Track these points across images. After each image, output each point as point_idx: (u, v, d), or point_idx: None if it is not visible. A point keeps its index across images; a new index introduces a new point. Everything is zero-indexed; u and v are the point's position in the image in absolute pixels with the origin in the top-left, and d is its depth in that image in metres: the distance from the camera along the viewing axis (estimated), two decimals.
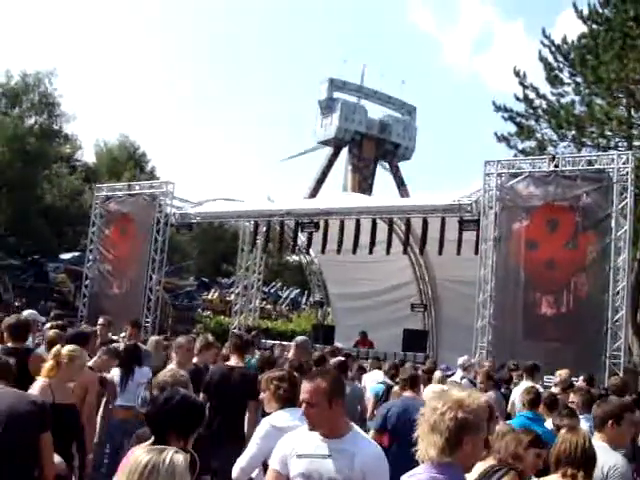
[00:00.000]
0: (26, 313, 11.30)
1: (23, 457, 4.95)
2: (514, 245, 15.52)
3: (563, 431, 5.01)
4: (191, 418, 3.97)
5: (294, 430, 4.54)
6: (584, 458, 4.73)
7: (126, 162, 56.59)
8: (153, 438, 3.85)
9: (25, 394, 5.29)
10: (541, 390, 9.37)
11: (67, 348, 6.49)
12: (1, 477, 4.83)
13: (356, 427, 4.35)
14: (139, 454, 2.85)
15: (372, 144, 79.24)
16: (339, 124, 76.47)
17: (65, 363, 6.34)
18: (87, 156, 58.81)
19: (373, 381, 12.14)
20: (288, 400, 5.32)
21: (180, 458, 2.87)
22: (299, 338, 11.39)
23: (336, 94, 78.35)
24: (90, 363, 7.92)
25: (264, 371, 8.73)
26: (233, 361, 8.41)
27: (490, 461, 4.61)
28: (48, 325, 11.34)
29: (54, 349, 6.55)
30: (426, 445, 3.14)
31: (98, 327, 11.87)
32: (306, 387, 4.25)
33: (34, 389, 6.04)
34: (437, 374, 11.22)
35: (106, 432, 8.77)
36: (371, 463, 4.16)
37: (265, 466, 4.93)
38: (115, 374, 8.96)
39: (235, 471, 5.13)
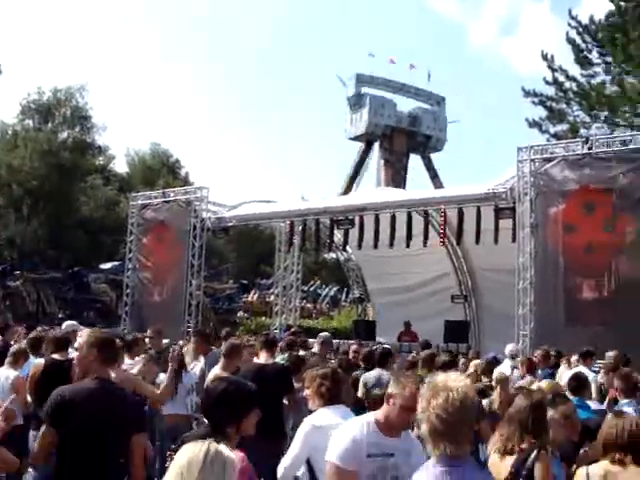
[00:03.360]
0: (66, 324, 11.50)
1: (118, 456, 4.96)
2: (551, 230, 15.39)
3: (609, 416, 5.03)
4: (243, 402, 4.19)
5: (340, 427, 4.60)
6: (631, 442, 4.73)
7: (159, 170, 57.12)
8: (208, 431, 4.04)
9: (125, 393, 5.32)
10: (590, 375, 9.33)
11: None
12: (97, 475, 4.86)
13: None
14: (193, 447, 2.90)
15: (403, 137, 78.98)
16: (369, 119, 76.30)
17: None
18: (120, 166, 59.41)
19: None
20: (331, 398, 5.32)
21: (228, 449, 2.99)
22: (323, 334, 11.57)
23: (364, 89, 78.16)
24: (134, 371, 8.03)
25: (299, 370, 8.87)
26: (263, 359, 8.49)
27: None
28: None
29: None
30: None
31: (147, 339, 11.97)
32: (414, 392, 4.27)
33: None
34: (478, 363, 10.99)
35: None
36: (421, 459, 4.28)
37: (309, 464, 4.99)
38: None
39: (280, 471, 5.18)
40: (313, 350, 11.88)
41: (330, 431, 4.73)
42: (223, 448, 2.94)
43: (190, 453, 2.86)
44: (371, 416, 4.48)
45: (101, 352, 5.16)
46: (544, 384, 7.34)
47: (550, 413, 5.07)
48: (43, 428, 4.98)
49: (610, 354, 11.15)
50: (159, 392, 7.43)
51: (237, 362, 8.63)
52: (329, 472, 4.34)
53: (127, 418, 4.99)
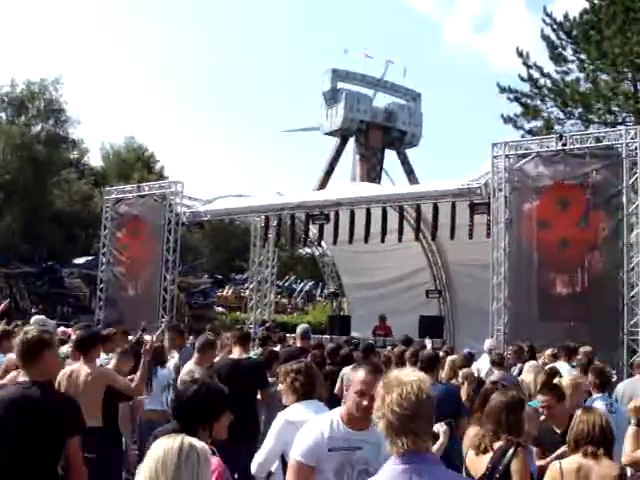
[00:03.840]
0: (34, 319, 11.43)
1: (50, 464, 4.62)
2: (526, 226, 15.45)
3: (579, 412, 5.10)
4: (215, 405, 4.12)
5: (312, 422, 4.61)
6: (603, 436, 4.80)
7: (134, 164, 56.81)
8: (179, 429, 3.89)
9: (54, 392, 5.04)
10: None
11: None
12: None
13: None
14: (167, 441, 2.89)
15: (378, 133, 78.95)
16: (344, 114, 76.17)
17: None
18: (94, 160, 59.04)
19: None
20: (305, 393, 5.31)
21: (201, 442, 2.98)
22: (302, 326, 11.51)
23: (340, 84, 78.08)
24: (110, 366, 7.98)
25: (271, 366, 8.88)
26: (237, 353, 8.49)
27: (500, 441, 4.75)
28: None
29: None
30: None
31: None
32: (370, 379, 4.30)
33: None
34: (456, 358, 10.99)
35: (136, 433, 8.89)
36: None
37: (283, 459, 4.99)
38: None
39: (254, 467, 5.18)
40: (297, 344, 11.78)
41: (307, 424, 4.75)
42: (196, 441, 2.94)
43: (164, 447, 2.85)
44: (337, 411, 4.50)
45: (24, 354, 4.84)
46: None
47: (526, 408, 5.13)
48: None
49: (582, 350, 11.24)
50: (132, 386, 7.38)
51: (211, 357, 8.64)
52: (289, 468, 4.36)
53: (58, 422, 4.64)
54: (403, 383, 3.06)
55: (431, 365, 7.81)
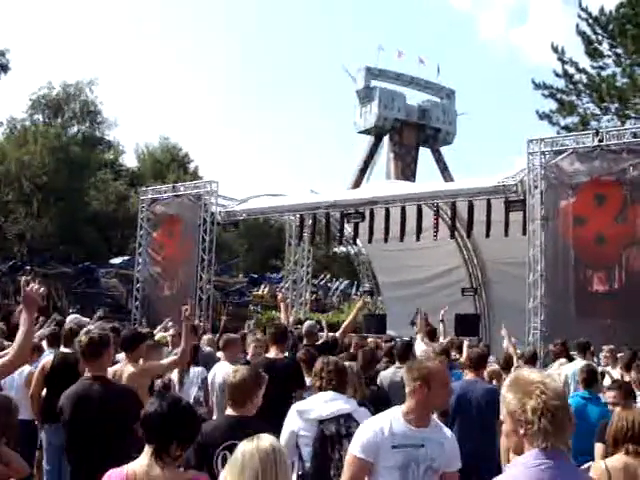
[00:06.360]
0: (69, 318, 11.56)
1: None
2: (562, 223, 15.34)
3: (618, 409, 5.04)
4: (191, 427, 3.74)
5: (314, 412, 5.03)
6: None
7: (169, 164, 57.15)
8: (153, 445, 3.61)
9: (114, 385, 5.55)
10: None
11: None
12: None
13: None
14: (255, 445, 2.98)
15: (413, 130, 78.75)
16: (378, 112, 76.03)
17: None
18: (130, 161, 59.51)
19: None
20: (320, 386, 5.43)
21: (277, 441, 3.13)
22: (307, 324, 11.33)
23: (373, 82, 77.96)
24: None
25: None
26: (273, 353, 8.31)
27: None
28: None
29: None
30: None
31: (169, 337, 11.67)
32: (445, 369, 4.57)
33: None
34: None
35: None
36: (454, 449, 4.45)
37: (298, 449, 5.13)
38: (174, 374, 9.00)
39: None
40: (304, 342, 11.54)
41: (308, 414, 5.10)
42: (275, 442, 3.07)
43: (259, 455, 2.96)
44: (397, 409, 4.48)
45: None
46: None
47: None
48: None
49: (606, 347, 11.12)
50: (178, 356, 7.23)
51: (236, 353, 8.84)
52: (347, 462, 4.35)
53: (122, 411, 5.06)
54: (551, 381, 3.05)
55: (479, 363, 7.70)
